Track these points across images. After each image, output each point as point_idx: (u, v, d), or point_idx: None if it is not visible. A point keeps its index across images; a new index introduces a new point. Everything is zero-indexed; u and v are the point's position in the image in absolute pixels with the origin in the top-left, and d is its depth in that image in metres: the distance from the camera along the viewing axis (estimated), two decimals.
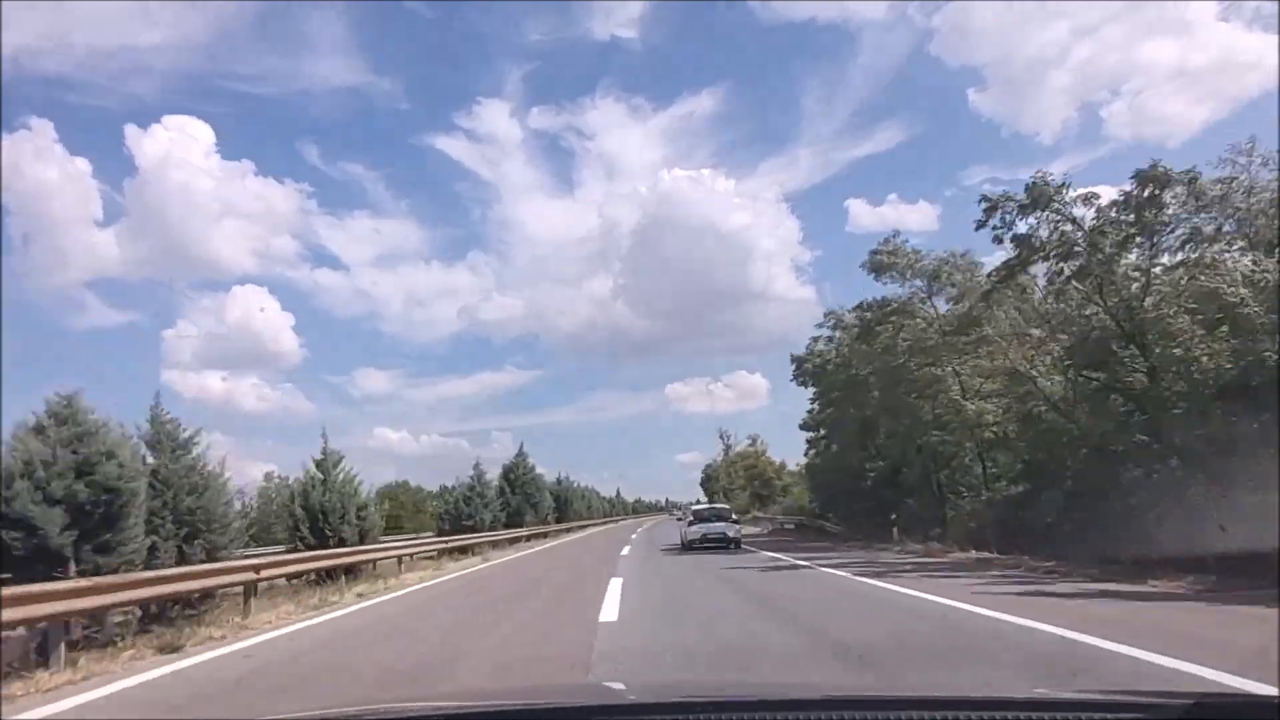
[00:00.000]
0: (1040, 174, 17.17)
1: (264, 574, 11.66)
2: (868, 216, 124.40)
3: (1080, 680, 5.16)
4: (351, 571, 15.67)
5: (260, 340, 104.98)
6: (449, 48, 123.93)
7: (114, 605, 8.49)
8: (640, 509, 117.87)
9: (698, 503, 35.29)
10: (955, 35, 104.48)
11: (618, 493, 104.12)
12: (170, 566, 10.67)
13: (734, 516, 26.45)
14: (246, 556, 12.98)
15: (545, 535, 37.78)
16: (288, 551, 15.92)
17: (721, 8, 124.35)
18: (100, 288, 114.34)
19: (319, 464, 17.72)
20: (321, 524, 16.80)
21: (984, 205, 18.04)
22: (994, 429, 21.77)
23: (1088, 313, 17.14)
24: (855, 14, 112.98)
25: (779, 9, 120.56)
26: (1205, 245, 15.56)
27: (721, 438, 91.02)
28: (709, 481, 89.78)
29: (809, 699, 2.03)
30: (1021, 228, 17.61)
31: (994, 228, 17.97)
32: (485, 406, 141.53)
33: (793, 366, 37.40)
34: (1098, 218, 16.48)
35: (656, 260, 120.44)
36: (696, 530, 23.95)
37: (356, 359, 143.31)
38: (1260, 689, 4.62)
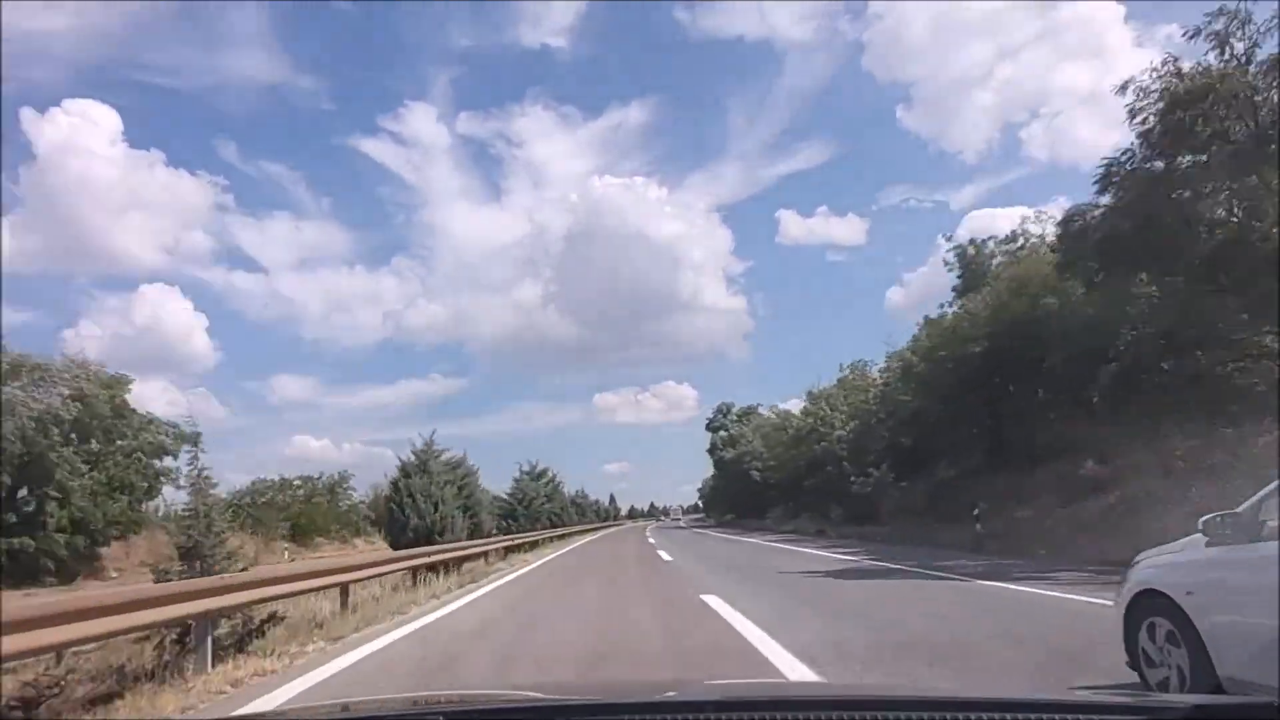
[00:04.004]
0: None
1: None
2: (797, 228, 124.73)
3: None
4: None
5: (170, 342, 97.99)
6: (373, 48, 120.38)
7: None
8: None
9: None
10: (886, 51, 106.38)
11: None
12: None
13: None
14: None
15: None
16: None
17: (651, 22, 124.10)
18: None
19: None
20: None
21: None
22: None
23: None
24: (783, 33, 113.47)
25: (708, 26, 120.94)
26: None
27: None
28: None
29: (812, 698, 1.99)
30: None
31: None
32: (410, 414, 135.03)
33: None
34: None
35: (587, 268, 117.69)
36: None
37: (274, 364, 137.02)
38: None
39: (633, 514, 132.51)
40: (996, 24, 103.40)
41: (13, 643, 4.36)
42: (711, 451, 75.46)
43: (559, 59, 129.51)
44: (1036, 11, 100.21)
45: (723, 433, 72.30)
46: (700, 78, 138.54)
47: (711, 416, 79.95)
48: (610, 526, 70.48)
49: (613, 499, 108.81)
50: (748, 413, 71.25)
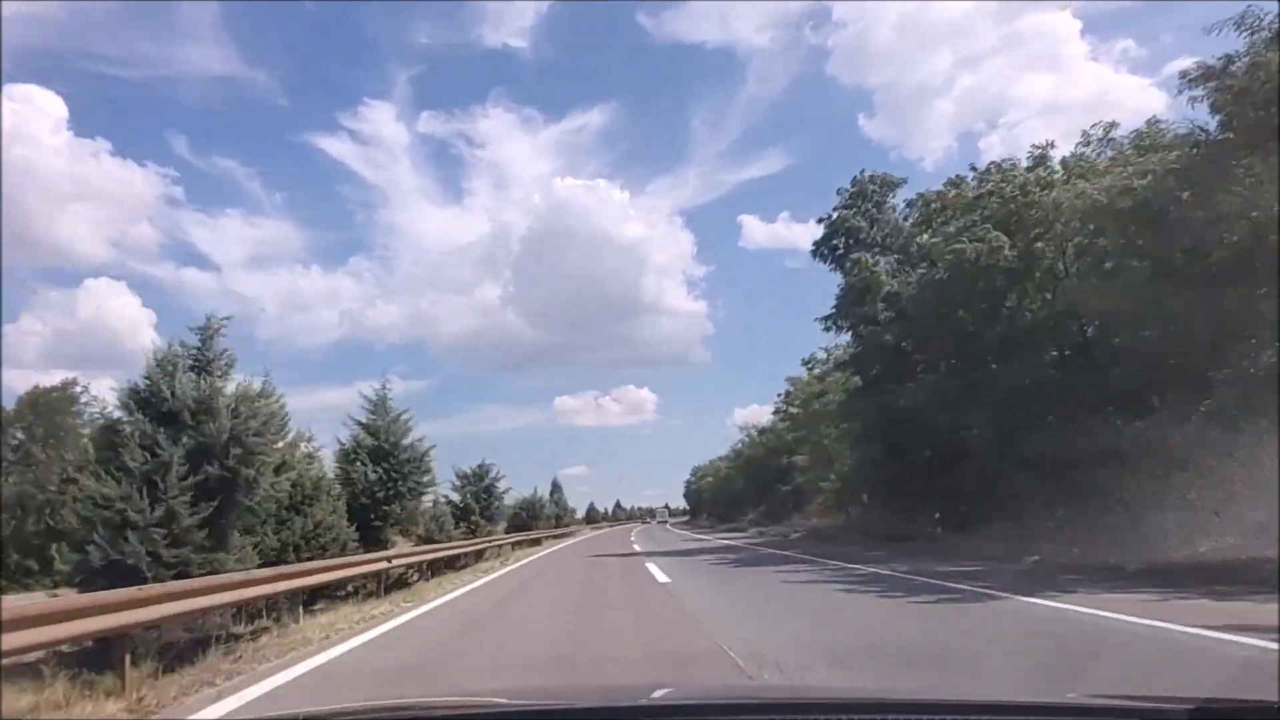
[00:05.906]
0: None
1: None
2: (760, 233, 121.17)
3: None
4: None
5: (116, 338, 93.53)
6: (332, 44, 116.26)
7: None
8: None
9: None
10: (851, 56, 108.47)
11: None
12: None
13: None
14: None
15: None
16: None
17: (614, 26, 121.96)
18: None
19: None
20: None
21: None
22: None
23: None
24: (747, 39, 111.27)
25: (671, 30, 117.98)
26: None
27: None
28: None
29: (809, 700, 2.11)
30: None
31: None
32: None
33: None
34: None
35: (548, 270, 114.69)
36: None
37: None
38: None
39: (591, 518, 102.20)
40: (959, 33, 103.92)
41: None
42: (850, 305, 27.24)
43: (521, 60, 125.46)
44: (997, 20, 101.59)
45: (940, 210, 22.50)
46: (663, 82, 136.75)
47: (836, 211, 30.24)
48: (549, 542, 36.35)
49: (556, 486, 54.38)
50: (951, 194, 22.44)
